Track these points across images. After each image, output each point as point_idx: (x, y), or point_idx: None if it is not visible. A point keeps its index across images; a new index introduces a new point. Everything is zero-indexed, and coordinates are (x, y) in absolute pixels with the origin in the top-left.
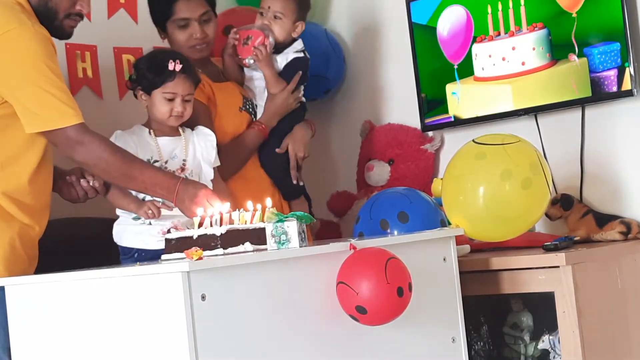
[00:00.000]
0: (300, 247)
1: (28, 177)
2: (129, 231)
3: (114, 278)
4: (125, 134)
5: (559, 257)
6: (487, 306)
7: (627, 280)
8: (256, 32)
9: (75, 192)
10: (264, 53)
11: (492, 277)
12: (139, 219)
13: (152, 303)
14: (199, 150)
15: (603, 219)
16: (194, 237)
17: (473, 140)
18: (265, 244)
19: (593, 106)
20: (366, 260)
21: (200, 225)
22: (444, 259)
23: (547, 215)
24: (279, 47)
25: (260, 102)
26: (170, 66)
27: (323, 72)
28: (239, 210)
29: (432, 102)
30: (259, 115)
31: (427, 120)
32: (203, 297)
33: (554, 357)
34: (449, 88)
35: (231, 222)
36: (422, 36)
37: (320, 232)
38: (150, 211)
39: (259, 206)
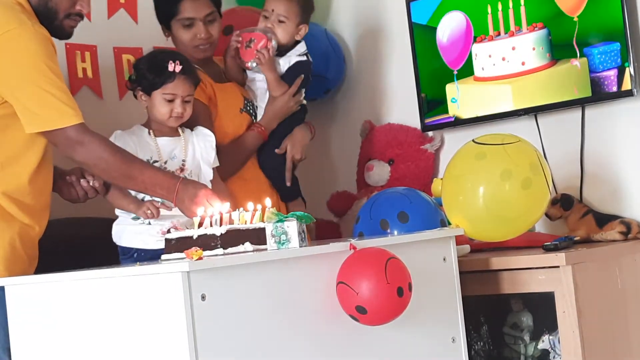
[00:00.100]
0: (300, 247)
1: (28, 177)
2: (128, 231)
3: (114, 278)
4: (124, 134)
5: (559, 257)
6: (487, 306)
7: (627, 280)
8: (259, 35)
9: (75, 192)
10: (267, 57)
11: (492, 277)
12: (139, 219)
13: (152, 303)
14: (198, 151)
15: (603, 219)
16: (194, 237)
17: (473, 140)
18: (265, 244)
19: (593, 106)
20: (366, 260)
21: (200, 225)
22: (444, 259)
23: (547, 215)
24: (282, 50)
25: (261, 104)
26: (170, 67)
27: (323, 72)
28: (238, 210)
29: (432, 102)
30: (259, 117)
31: (427, 120)
32: (203, 297)
33: (554, 357)
34: (449, 94)
35: (231, 222)
36: (422, 36)
37: (320, 232)
38: (149, 211)
39: (259, 206)
